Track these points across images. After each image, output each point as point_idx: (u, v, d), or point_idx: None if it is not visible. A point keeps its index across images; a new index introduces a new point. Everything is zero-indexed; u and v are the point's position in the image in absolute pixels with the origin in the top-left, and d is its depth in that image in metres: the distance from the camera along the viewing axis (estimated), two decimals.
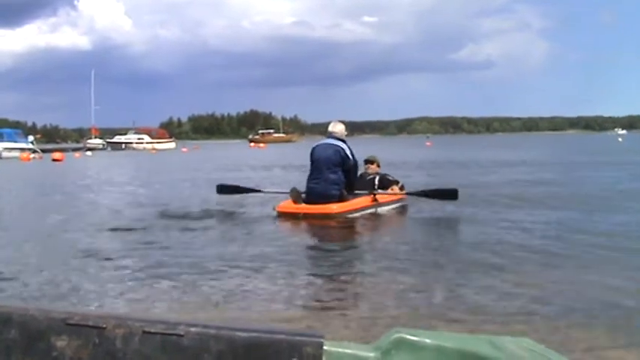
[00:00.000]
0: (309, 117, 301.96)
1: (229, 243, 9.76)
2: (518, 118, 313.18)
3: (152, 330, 1.49)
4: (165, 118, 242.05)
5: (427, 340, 1.63)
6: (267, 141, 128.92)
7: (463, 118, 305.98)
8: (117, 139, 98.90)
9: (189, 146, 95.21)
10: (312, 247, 9.68)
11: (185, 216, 12.55)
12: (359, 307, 6.21)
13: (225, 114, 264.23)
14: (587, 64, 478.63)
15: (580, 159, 35.67)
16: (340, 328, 5.32)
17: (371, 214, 12.59)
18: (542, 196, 15.81)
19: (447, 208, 13.07)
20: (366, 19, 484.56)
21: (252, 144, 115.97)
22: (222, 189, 14.58)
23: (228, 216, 12.74)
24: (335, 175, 12.30)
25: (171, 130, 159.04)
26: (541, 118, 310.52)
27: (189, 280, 7.20)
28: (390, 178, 14.10)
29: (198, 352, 1.48)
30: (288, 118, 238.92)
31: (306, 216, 11.82)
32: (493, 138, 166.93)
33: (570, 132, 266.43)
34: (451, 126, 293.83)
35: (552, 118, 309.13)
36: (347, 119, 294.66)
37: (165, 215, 12.68)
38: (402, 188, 13.89)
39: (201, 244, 9.61)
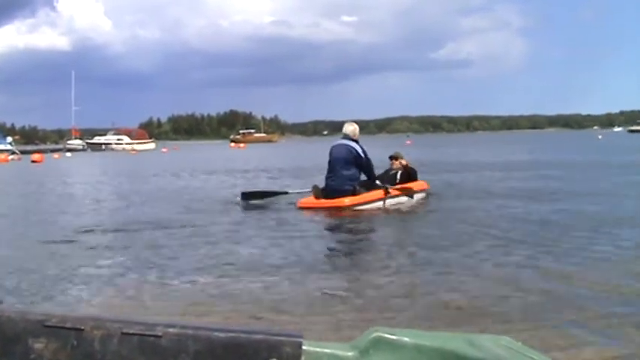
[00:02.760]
0: (289, 117, 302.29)
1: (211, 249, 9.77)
2: (498, 117, 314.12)
3: (130, 331, 1.48)
4: (145, 119, 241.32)
5: (406, 339, 1.62)
6: (248, 141, 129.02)
7: (443, 117, 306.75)
8: (96, 140, 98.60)
9: (170, 147, 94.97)
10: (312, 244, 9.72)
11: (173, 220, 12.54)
12: (335, 306, 6.21)
13: (206, 114, 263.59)
14: (566, 63, 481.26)
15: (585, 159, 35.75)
16: (320, 326, 5.33)
17: (380, 206, 13.60)
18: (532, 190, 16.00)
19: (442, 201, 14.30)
20: (346, 18, 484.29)
21: (232, 144, 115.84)
22: (247, 196, 15.29)
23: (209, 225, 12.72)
24: (349, 172, 13.66)
25: (150, 130, 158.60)
26: (521, 117, 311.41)
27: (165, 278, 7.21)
28: (412, 170, 15.18)
29: (177, 352, 1.47)
30: (268, 118, 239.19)
31: (322, 209, 13.12)
32: (473, 137, 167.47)
33: (550, 130, 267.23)
34: (431, 125, 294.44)
35: (532, 117, 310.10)
36: (327, 119, 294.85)
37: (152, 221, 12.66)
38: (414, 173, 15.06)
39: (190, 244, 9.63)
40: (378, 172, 14.70)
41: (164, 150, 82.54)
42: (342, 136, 14.44)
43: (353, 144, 13.89)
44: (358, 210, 13.17)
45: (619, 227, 10.33)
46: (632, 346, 4.90)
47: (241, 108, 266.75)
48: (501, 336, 1.86)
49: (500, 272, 7.47)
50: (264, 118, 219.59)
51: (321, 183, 14.12)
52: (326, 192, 13.68)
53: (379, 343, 1.60)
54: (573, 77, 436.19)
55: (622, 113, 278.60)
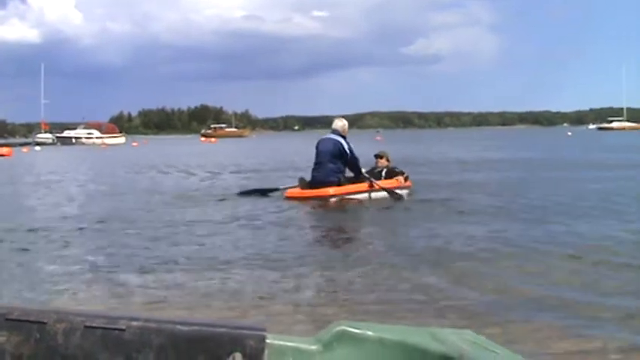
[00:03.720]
0: (260, 112, 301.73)
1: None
2: (469, 113, 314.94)
3: (93, 324, 1.48)
4: (115, 113, 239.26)
5: (369, 333, 1.63)
6: (219, 135, 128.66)
7: (414, 113, 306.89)
8: (66, 133, 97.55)
9: (140, 141, 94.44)
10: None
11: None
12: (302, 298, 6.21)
13: (176, 108, 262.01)
14: (537, 60, 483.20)
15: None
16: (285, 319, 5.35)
17: (365, 198, 14.13)
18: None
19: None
20: (317, 13, 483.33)
21: (203, 139, 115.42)
22: (243, 194, 15.69)
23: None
24: (334, 165, 14.17)
25: (121, 124, 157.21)
26: (491, 113, 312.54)
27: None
28: (397, 170, 15.60)
29: (140, 346, 1.47)
30: (239, 112, 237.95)
31: (308, 199, 13.73)
32: (444, 133, 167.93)
33: (520, 127, 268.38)
34: (402, 121, 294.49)
35: (502, 113, 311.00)
36: (298, 114, 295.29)
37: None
38: (406, 179, 15.30)
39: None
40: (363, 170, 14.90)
41: (134, 144, 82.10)
42: (330, 130, 14.89)
43: (340, 139, 14.40)
44: (343, 201, 13.74)
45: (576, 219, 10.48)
46: (602, 338, 4.95)
47: (212, 102, 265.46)
48: (465, 330, 1.87)
49: (469, 266, 7.52)
50: (235, 113, 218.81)
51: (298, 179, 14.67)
52: (311, 184, 14.24)
53: (343, 337, 1.61)
54: (544, 74, 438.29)
55: (592, 111, 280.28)
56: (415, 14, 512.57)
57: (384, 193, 14.48)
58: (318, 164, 14.40)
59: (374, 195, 14.38)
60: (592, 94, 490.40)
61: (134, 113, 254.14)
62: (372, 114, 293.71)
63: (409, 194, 14.94)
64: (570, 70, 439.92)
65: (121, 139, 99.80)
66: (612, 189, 15.57)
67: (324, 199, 13.71)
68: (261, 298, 6.28)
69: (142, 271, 7.43)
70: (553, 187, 16.54)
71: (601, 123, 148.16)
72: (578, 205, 12.88)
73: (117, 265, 7.77)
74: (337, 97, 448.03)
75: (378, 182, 14.62)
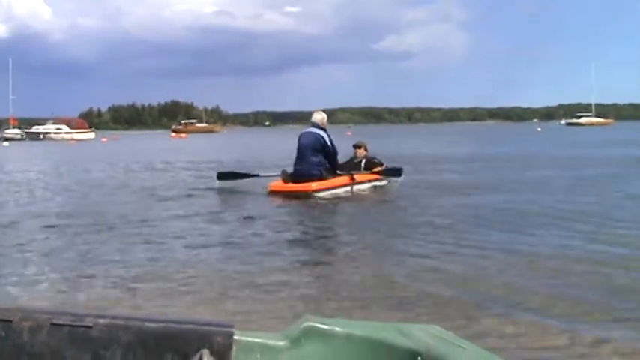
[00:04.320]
0: (230, 107, 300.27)
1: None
2: (439, 109, 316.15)
3: (60, 322, 1.47)
4: (84, 109, 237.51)
5: (336, 328, 1.64)
6: (190, 131, 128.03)
7: (385, 109, 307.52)
8: (35, 129, 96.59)
9: (110, 137, 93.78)
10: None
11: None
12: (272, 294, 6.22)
13: (146, 104, 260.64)
14: (507, 56, 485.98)
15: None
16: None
17: (347, 192, 14.54)
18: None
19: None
20: (288, 9, 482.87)
21: (174, 134, 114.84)
22: (222, 176, 16.17)
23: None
24: (316, 158, 14.46)
25: (90, 120, 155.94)
26: (461, 109, 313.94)
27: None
28: (376, 160, 16.28)
29: (107, 343, 1.46)
30: (209, 108, 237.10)
31: (290, 193, 14.00)
32: (414, 128, 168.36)
33: (490, 122, 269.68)
34: (373, 116, 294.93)
35: (472, 109, 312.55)
36: (269, 109, 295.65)
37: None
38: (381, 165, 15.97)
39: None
40: (342, 160, 15.58)
41: (104, 140, 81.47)
42: (310, 124, 15.10)
43: (321, 132, 14.73)
44: (325, 195, 14.01)
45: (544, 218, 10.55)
46: (570, 332, 5.00)
47: (183, 98, 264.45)
48: (431, 325, 1.89)
49: (439, 262, 7.56)
50: (205, 109, 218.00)
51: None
52: (294, 177, 14.49)
53: (310, 332, 1.62)
54: (514, 70, 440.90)
55: (561, 106, 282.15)
56: (386, 10, 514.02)
57: (366, 185, 15.07)
58: (300, 158, 14.67)
59: (356, 188, 14.82)
60: (562, 90, 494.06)
61: (104, 109, 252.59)
62: (343, 110, 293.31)
63: (387, 185, 15.49)
64: (540, 66, 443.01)
65: (91, 135, 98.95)
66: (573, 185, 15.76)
67: (308, 193, 13.89)
68: (230, 294, 6.27)
69: (110, 268, 7.41)
70: (521, 184, 16.60)
71: (570, 119, 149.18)
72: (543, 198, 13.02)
73: (84, 262, 7.74)
74: (308, 93, 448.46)
75: (359, 174, 15.12)
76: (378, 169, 15.88)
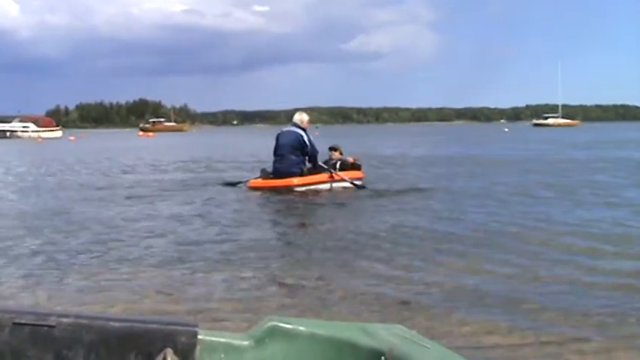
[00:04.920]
0: (198, 106, 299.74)
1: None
2: (407, 109, 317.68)
3: (22, 321, 1.46)
4: (52, 106, 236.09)
5: (301, 328, 1.65)
6: (158, 130, 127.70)
7: (353, 108, 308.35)
8: (1, 127, 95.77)
9: (77, 135, 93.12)
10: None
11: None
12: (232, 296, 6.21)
13: (114, 102, 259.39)
14: (475, 56, 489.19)
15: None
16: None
17: (326, 188, 14.86)
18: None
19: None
20: (257, 8, 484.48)
21: (141, 133, 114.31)
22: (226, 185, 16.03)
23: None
24: (296, 157, 14.81)
25: (58, 118, 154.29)
26: (429, 109, 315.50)
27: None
28: (350, 163, 16.22)
29: (70, 342, 1.45)
30: (177, 107, 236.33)
31: (272, 189, 14.31)
32: (382, 128, 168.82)
33: (458, 122, 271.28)
34: (341, 116, 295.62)
35: (440, 109, 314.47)
36: (237, 109, 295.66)
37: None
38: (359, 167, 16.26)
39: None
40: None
41: (71, 138, 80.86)
42: (291, 123, 15.49)
43: (301, 132, 15.02)
44: (305, 191, 14.38)
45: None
46: (535, 331, 5.04)
47: (151, 97, 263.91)
48: (395, 324, 1.90)
49: (409, 260, 7.59)
50: (173, 107, 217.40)
51: None
52: (274, 174, 14.85)
53: (274, 332, 1.62)
54: (482, 71, 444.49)
55: (528, 107, 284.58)
56: (355, 11, 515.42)
57: (343, 184, 15.14)
58: (279, 156, 14.97)
59: (335, 185, 15.07)
60: (529, 91, 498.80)
61: (71, 107, 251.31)
62: (311, 109, 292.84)
63: (362, 185, 15.37)
64: (508, 66, 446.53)
65: (58, 133, 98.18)
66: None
67: (289, 188, 14.30)
68: (194, 294, 6.26)
69: (76, 267, 7.36)
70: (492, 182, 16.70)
71: (537, 119, 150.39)
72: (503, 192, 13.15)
73: (49, 261, 7.67)
74: (276, 92, 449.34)
75: (338, 173, 15.29)
76: (357, 171, 16.08)
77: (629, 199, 12.79)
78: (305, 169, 14.86)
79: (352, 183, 15.10)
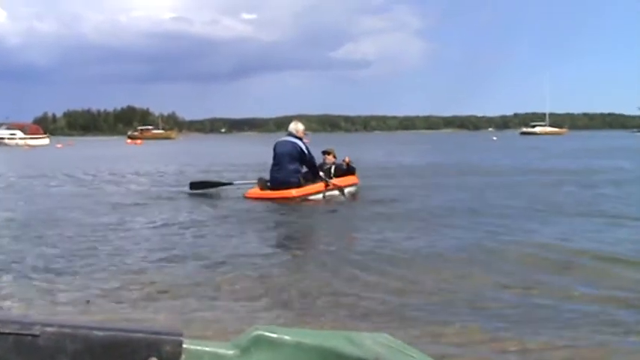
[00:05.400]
0: (186, 114, 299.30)
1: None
2: (395, 117, 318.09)
3: (5, 330, 1.45)
4: (39, 114, 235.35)
5: (286, 337, 1.64)
6: (146, 137, 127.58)
7: (340, 117, 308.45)
8: None
9: (64, 142, 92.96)
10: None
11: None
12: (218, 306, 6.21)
13: (102, 110, 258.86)
14: (463, 64, 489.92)
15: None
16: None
17: (323, 197, 15.09)
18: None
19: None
20: (245, 16, 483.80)
21: (129, 140, 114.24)
22: (195, 185, 16.65)
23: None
24: (293, 166, 15.04)
25: (45, 125, 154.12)
26: (417, 117, 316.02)
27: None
28: (344, 167, 16.58)
29: (54, 352, 1.44)
30: (165, 114, 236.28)
31: (270, 200, 14.36)
32: (370, 136, 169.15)
33: (446, 131, 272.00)
34: (329, 124, 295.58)
35: (428, 117, 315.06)
36: (225, 116, 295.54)
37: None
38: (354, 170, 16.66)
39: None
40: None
41: (59, 146, 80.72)
42: (287, 133, 15.77)
43: (297, 141, 15.31)
44: (302, 201, 14.54)
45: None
46: (520, 339, 5.06)
47: (139, 104, 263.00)
48: (381, 333, 1.90)
49: (397, 269, 7.62)
50: (161, 115, 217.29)
51: None
52: (272, 184, 15.02)
53: (260, 342, 1.62)
54: (470, 79, 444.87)
55: (516, 115, 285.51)
56: (343, 19, 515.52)
57: (335, 192, 15.44)
58: (277, 165, 15.15)
59: (328, 194, 15.29)
60: (517, 99, 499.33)
61: (59, 114, 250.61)
62: (299, 117, 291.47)
63: (357, 191, 16.27)
64: (496, 75, 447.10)
65: (45, 141, 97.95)
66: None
67: (288, 199, 14.41)
68: (180, 302, 6.26)
69: (61, 275, 7.35)
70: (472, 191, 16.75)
71: (525, 127, 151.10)
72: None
73: (36, 270, 7.65)
74: (265, 100, 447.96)
75: (333, 181, 15.55)
76: (352, 176, 16.48)
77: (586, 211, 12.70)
78: (302, 179, 15.02)
79: (341, 193, 15.45)
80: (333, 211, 13.72)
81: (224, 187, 16.60)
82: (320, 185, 15.28)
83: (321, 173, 15.56)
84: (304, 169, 15.33)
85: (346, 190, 15.76)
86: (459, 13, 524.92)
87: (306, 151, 15.19)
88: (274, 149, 15.42)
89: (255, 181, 15.54)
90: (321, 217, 13.12)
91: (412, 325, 5.41)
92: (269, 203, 14.10)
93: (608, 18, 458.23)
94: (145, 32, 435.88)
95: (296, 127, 15.74)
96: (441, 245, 9.25)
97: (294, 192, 14.64)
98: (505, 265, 7.93)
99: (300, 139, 15.49)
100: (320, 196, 15.12)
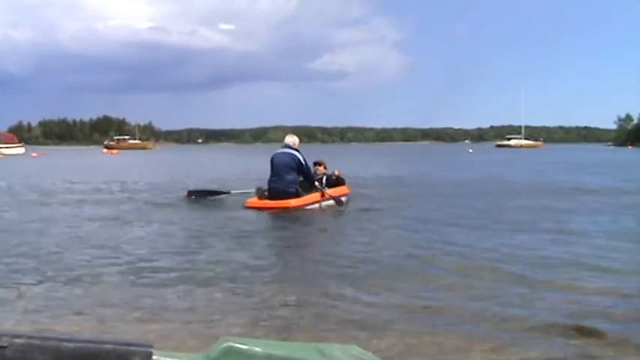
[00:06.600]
0: (163, 124, 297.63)
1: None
2: (372, 129, 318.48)
3: None
4: (14, 122, 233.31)
5: (256, 349, 1.65)
6: (122, 147, 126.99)
7: (318, 128, 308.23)
8: None
9: (40, 152, 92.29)
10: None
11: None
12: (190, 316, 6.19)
13: (78, 119, 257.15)
14: (440, 77, 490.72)
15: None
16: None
17: (319, 206, 15.66)
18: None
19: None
20: (223, 26, 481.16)
21: (105, 150, 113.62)
22: (193, 193, 17.28)
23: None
24: (291, 176, 15.53)
25: (20, 134, 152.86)
26: (394, 129, 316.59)
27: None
28: (333, 178, 17.28)
29: None
30: (142, 124, 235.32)
31: (269, 210, 14.82)
32: (347, 148, 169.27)
33: (423, 143, 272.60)
34: (306, 135, 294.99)
35: (405, 129, 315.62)
36: (202, 127, 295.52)
37: None
38: (343, 181, 17.45)
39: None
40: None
41: (34, 155, 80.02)
42: (283, 145, 16.26)
43: (295, 152, 15.85)
44: (300, 210, 14.99)
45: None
46: (493, 347, 5.07)
47: (115, 114, 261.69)
48: (351, 345, 1.91)
49: (377, 279, 7.64)
50: (138, 125, 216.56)
51: None
52: (270, 194, 15.46)
53: (230, 353, 1.62)
54: (447, 91, 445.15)
55: (492, 128, 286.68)
56: (321, 30, 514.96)
57: (330, 201, 16.02)
58: (275, 175, 15.62)
59: (324, 203, 15.88)
60: (494, 112, 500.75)
61: (34, 123, 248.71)
62: (276, 128, 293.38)
63: (348, 200, 16.76)
64: (473, 87, 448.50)
65: (20, 150, 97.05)
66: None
67: (287, 209, 14.88)
68: (152, 314, 6.24)
69: (30, 285, 7.30)
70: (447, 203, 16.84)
71: (501, 140, 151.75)
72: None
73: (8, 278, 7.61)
74: (242, 111, 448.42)
75: (328, 191, 16.20)
76: (342, 186, 17.19)
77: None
78: (299, 189, 15.53)
79: (336, 201, 16.03)
80: (322, 221, 14.04)
81: (221, 197, 17.01)
82: (316, 195, 15.86)
83: (316, 184, 16.18)
84: (300, 179, 15.84)
85: (342, 199, 16.33)
86: (436, 26, 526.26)
87: (303, 163, 15.77)
88: (272, 161, 15.88)
89: (253, 191, 16.08)
90: (309, 228, 13.27)
91: (382, 337, 5.42)
92: (264, 215, 14.44)
93: (583, 33, 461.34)
94: (122, 41, 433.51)
95: (293, 139, 16.26)
96: (418, 255, 9.26)
97: (292, 202, 15.19)
98: (474, 276, 7.96)
99: (298, 150, 15.97)
100: (316, 205, 15.65)
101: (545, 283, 7.50)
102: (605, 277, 7.89)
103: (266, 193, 15.58)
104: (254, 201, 15.56)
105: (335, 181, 17.08)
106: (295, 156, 15.75)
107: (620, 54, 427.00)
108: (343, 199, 16.55)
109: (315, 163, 17.37)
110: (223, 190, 17.75)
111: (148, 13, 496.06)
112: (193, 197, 17.06)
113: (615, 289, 7.24)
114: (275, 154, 16.09)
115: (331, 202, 16.02)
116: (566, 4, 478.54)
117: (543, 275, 7.96)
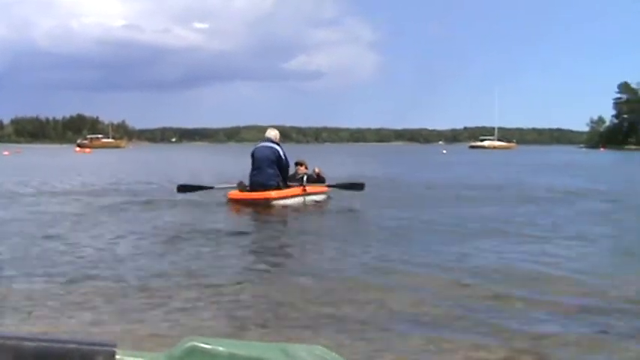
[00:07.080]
0: (137, 122, 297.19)
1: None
2: (346, 129, 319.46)
3: None
4: None
5: (220, 349, 1.65)
6: (95, 146, 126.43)
7: (292, 128, 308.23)
8: None
9: (12, 150, 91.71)
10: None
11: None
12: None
13: (51, 117, 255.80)
14: (414, 78, 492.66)
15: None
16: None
17: (300, 201, 15.97)
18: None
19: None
20: (197, 25, 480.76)
21: (78, 149, 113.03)
22: (182, 188, 17.18)
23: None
24: (272, 170, 15.69)
25: None
26: (368, 129, 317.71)
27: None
28: (315, 177, 17.39)
29: None
30: (115, 123, 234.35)
31: (251, 201, 15.21)
32: (321, 148, 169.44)
33: (396, 143, 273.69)
34: (280, 135, 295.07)
35: (379, 130, 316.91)
36: (176, 126, 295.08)
37: None
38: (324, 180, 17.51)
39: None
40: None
41: (6, 153, 79.52)
42: (264, 139, 16.44)
43: (276, 146, 16.08)
44: (282, 203, 15.40)
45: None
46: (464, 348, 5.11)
47: (89, 112, 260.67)
48: (315, 345, 1.92)
49: (355, 280, 7.68)
50: (111, 124, 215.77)
51: None
52: (252, 187, 15.60)
53: (194, 353, 1.62)
54: (421, 92, 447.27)
55: (466, 129, 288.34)
56: (296, 30, 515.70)
57: (314, 197, 16.54)
58: (256, 169, 15.76)
59: (308, 198, 16.27)
60: (467, 113, 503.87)
61: (6, 121, 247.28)
62: (250, 128, 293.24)
63: (327, 198, 17.12)
64: (447, 89, 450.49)
65: None
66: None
67: (267, 201, 15.14)
68: (116, 312, 6.23)
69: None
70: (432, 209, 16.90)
71: (474, 141, 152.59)
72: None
73: None
74: (216, 110, 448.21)
75: (309, 187, 16.46)
76: (326, 184, 17.32)
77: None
78: (281, 183, 15.74)
79: (319, 197, 16.62)
80: (303, 219, 14.33)
81: (206, 191, 17.00)
82: (298, 189, 16.12)
83: (290, 183, 16.22)
84: None
85: (321, 197, 16.84)
86: (410, 27, 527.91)
87: (283, 157, 15.91)
88: (253, 155, 15.99)
89: (235, 185, 16.08)
90: (287, 228, 13.31)
91: (348, 337, 5.43)
92: (240, 214, 14.63)
93: (556, 35, 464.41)
94: (96, 39, 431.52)
95: (274, 133, 16.56)
96: (391, 258, 9.29)
97: (273, 193, 15.33)
98: (444, 275, 7.99)
99: (278, 144, 16.23)
100: (300, 199, 16.02)
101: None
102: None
103: (248, 188, 15.69)
104: (235, 193, 15.73)
105: (315, 180, 17.22)
106: (276, 150, 15.93)
107: (608, 54, 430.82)
108: (323, 197, 16.90)
109: (297, 163, 17.64)
110: (207, 185, 17.64)
111: (123, 11, 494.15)
112: (183, 191, 17.02)
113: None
114: (256, 148, 16.23)
115: (314, 197, 16.40)
116: (546, 3, 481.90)
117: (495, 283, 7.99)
